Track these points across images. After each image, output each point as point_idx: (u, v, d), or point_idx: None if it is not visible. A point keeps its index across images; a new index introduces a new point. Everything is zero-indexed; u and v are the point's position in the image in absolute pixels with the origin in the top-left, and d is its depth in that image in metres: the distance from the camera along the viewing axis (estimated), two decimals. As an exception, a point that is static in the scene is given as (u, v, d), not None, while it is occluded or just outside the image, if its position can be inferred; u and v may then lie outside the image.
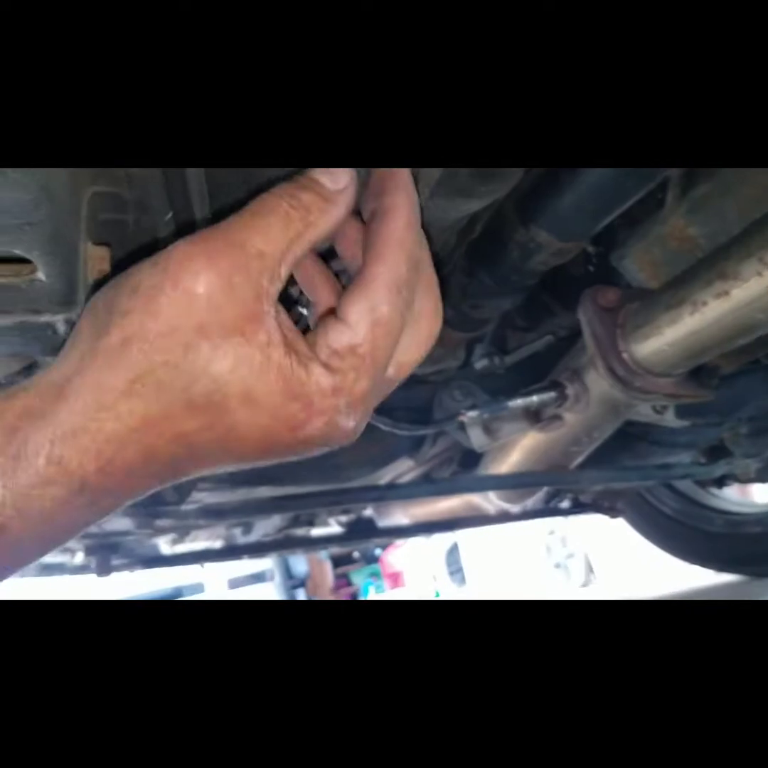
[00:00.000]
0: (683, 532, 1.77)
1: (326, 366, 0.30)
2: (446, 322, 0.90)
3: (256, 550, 1.39)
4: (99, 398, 0.28)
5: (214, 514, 0.83)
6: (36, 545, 0.30)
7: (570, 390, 0.85)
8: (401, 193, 0.34)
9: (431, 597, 5.10)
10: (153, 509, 0.78)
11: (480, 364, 1.05)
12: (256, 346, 0.29)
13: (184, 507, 0.82)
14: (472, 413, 0.87)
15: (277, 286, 0.30)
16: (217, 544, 1.48)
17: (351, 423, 0.31)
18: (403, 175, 0.34)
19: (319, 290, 0.36)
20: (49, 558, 1.53)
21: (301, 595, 7.54)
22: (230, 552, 1.39)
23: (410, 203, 0.34)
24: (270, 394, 0.29)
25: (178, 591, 4.25)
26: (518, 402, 0.87)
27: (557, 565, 3.69)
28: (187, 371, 0.28)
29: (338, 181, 0.32)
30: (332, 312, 0.32)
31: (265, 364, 0.29)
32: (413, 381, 1.05)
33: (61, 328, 0.40)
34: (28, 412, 0.28)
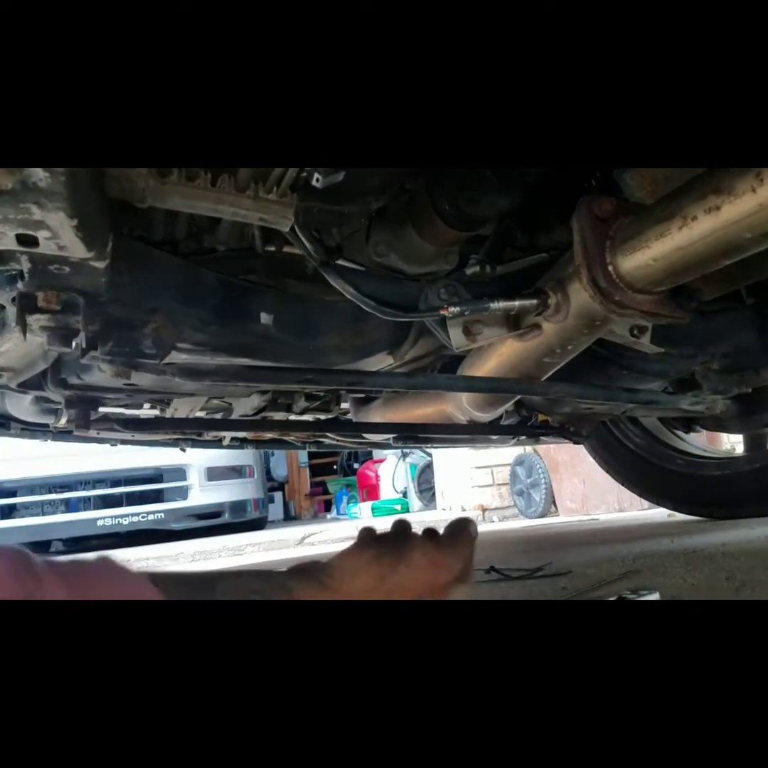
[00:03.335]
0: (644, 467, 1.84)
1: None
2: (441, 218, 0.91)
3: (234, 427, 1.43)
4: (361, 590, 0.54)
5: (191, 372, 0.86)
6: None
7: (552, 298, 0.87)
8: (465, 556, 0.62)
9: (400, 512, 5.31)
10: (131, 360, 0.81)
11: (471, 270, 1.05)
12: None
13: (162, 363, 0.84)
14: (455, 308, 0.88)
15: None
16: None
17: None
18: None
19: None
20: (34, 418, 1.55)
21: (278, 498, 7.84)
22: (209, 424, 1.44)
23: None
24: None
25: (159, 472, 4.38)
26: (500, 304, 0.88)
27: (520, 493, 3.82)
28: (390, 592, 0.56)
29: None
30: None
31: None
32: (402, 278, 1.05)
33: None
34: (320, 593, 0.52)
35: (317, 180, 0.54)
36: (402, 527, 0.62)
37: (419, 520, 4.02)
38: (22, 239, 0.58)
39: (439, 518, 3.97)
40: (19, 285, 0.70)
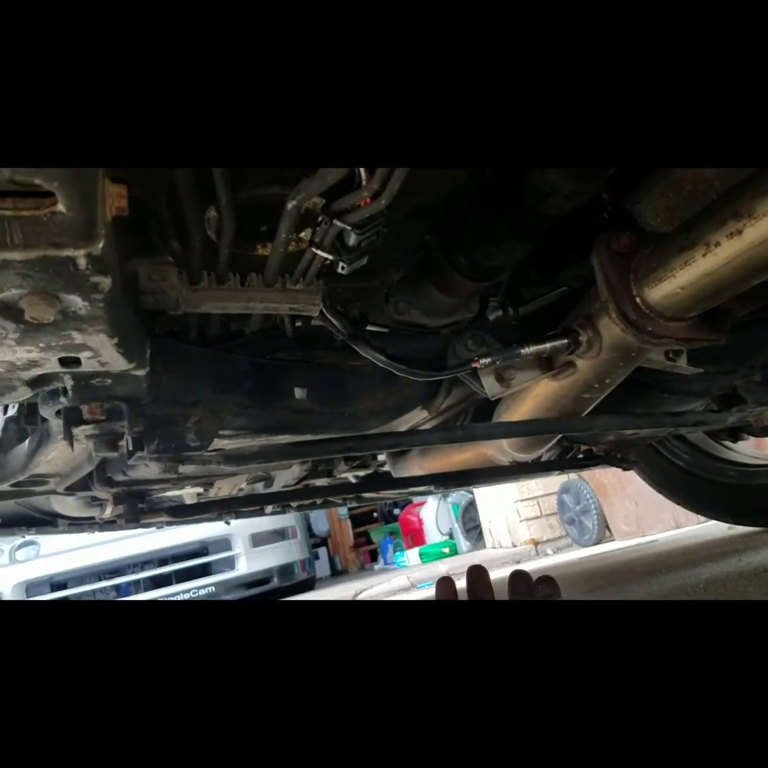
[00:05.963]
0: (696, 483, 1.78)
1: None
2: (459, 271, 0.91)
3: (278, 499, 1.43)
4: None
5: (235, 458, 0.86)
6: None
7: (582, 336, 0.86)
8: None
9: (449, 555, 5.20)
10: (177, 454, 0.82)
11: (493, 315, 1.05)
12: None
13: (207, 452, 0.85)
14: (486, 360, 0.88)
15: None
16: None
17: None
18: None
19: None
20: (79, 513, 1.58)
21: (322, 554, 7.76)
22: (253, 500, 1.44)
23: None
24: None
25: (205, 546, 4.38)
26: (531, 349, 0.88)
27: (571, 522, 3.71)
28: None
29: None
30: None
31: None
32: (427, 333, 1.06)
33: (82, 263, 0.42)
34: None
35: (342, 268, 0.55)
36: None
37: (476, 562, 3.92)
38: (64, 361, 0.60)
39: (491, 557, 3.87)
40: (63, 400, 0.72)
